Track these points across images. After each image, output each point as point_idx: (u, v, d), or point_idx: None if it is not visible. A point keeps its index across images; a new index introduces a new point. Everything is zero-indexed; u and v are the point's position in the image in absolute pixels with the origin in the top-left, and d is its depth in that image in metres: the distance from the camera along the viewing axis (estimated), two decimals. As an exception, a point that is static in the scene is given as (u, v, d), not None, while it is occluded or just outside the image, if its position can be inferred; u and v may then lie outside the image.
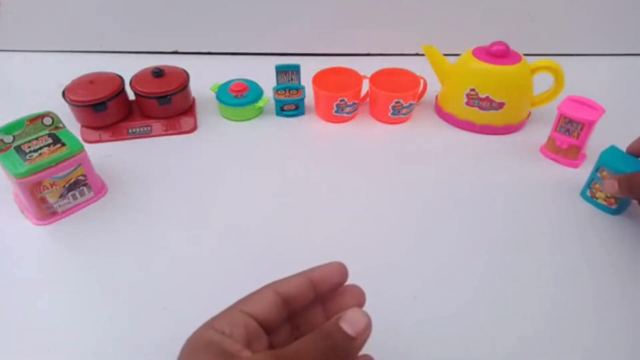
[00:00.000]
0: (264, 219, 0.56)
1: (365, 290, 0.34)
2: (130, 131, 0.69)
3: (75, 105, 0.66)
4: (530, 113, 0.73)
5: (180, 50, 0.93)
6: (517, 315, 0.46)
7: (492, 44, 0.68)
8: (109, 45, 0.92)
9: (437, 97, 0.77)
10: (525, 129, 0.72)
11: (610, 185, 0.53)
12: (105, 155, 0.65)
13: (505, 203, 0.59)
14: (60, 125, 0.57)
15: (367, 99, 0.75)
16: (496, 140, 0.70)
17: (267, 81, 0.73)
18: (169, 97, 0.68)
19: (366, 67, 0.74)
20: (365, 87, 0.74)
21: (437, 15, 0.88)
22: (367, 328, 0.28)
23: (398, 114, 0.72)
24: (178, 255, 0.52)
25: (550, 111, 0.65)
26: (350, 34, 0.90)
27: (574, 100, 0.62)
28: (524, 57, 0.68)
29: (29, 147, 0.53)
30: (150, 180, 0.62)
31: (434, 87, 0.75)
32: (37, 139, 0.54)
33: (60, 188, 0.54)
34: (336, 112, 0.72)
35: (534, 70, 0.68)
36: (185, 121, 0.71)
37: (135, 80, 0.70)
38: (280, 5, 0.87)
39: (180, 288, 0.48)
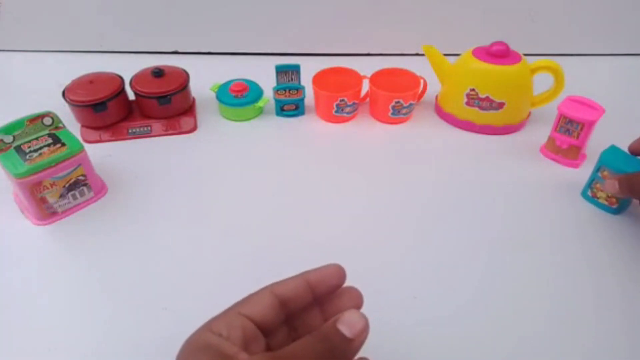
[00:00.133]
0: (264, 219, 0.56)
1: (365, 290, 0.34)
2: (130, 131, 0.69)
3: (75, 105, 0.66)
4: (530, 113, 0.73)
5: (180, 50, 0.93)
6: (517, 315, 0.46)
7: (492, 44, 0.68)
8: (109, 45, 0.92)
9: (437, 97, 0.77)
10: (525, 129, 0.72)
11: (611, 185, 0.53)
12: (105, 155, 0.65)
13: (506, 203, 0.59)
14: (60, 125, 0.57)
15: (367, 99, 0.75)
16: (496, 140, 0.70)
17: (267, 81, 0.73)
18: (169, 97, 0.68)
19: (366, 67, 0.74)
20: (365, 87, 0.74)
21: (437, 15, 0.88)
22: (365, 330, 0.28)
23: (398, 114, 0.72)
24: (178, 255, 0.52)
25: (550, 111, 0.65)
26: (350, 34, 0.90)
27: (574, 100, 0.62)
28: (524, 57, 0.68)
29: (29, 147, 0.53)
30: (150, 180, 0.62)
31: (434, 87, 0.75)
32: (37, 139, 0.54)
33: (60, 188, 0.54)
34: (336, 112, 0.72)
35: (534, 70, 0.68)
36: (185, 121, 0.71)
37: (135, 80, 0.70)
38: (280, 5, 0.87)
39: (180, 288, 0.48)
